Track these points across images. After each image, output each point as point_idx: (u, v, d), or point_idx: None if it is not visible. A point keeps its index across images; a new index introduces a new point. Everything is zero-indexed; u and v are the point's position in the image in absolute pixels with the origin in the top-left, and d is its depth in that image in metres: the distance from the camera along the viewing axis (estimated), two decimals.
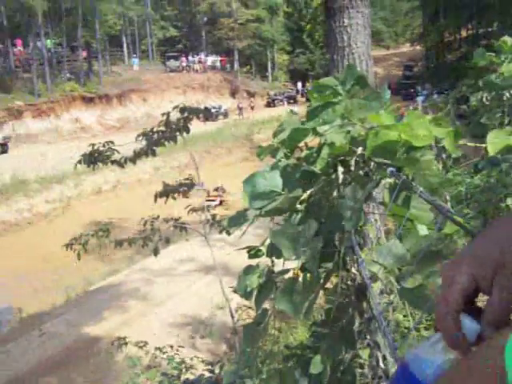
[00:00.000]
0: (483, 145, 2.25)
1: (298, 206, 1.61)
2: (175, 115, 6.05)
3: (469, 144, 2.51)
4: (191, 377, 4.31)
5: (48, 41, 43.78)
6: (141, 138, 5.92)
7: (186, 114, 5.97)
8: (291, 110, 1.89)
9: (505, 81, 3.52)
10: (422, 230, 1.44)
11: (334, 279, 1.61)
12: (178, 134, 5.90)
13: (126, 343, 7.21)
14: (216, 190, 23.43)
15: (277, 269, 1.66)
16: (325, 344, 1.50)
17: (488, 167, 3.40)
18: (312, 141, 1.68)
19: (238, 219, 1.66)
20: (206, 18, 60.92)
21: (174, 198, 6.37)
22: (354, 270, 1.58)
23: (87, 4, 44.45)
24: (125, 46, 54.52)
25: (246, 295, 1.65)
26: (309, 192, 1.58)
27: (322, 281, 1.52)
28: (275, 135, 1.75)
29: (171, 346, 7.08)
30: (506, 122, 3.45)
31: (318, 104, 1.63)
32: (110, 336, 9.76)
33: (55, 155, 30.00)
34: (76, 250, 6.43)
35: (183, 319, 11.54)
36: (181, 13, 62.78)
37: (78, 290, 14.38)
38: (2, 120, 34.85)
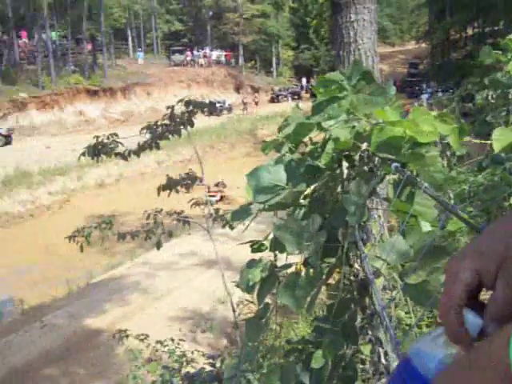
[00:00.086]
0: (488, 142, 2.25)
1: (302, 201, 1.61)
2: (179, 109, 6.04)
3: (474, 141, 2.50)
4: (192, 370, 4.32)
5: (53, 33, 43.82)
6: (145, 131, 5.92)
7: (190, 108, 5.97)
8: (297, 105, 1.88)
9: (510, 79, 3.51)
10: (426, 226, 1.44)
11: (335, 275, 1.62)
12: (182, 127, 5.90)
13: (126, 336, 7.23)
14: (216, 185, 23.05)
15: (279, 264, 1.66)
16: (327, 339, 1.50)
17: (492, 165, 3.39)
18: (316, 136, 1.68)
19: (242, 213, 1.66)
20: (211, 13, 60.86)
21: (178, 192, 6.37)
22: (356, 266, 1.58)
23: None
24: (130, 39, 54.52)
25: (249, 289, 1.65)
26: (313, 187, 1.58)
27: (324, 276, 1.52)
28: (280, 130, 1.75)
29: (172, 340, 7.09)
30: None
31: (324, 99, 1.63)
32: (111, 329, 9.78)
33: (59, 147, 30.05)
34: (79, 242, 6.44)
35: (184, 313, 11.56)
36: (186, 7, 62.77)
37: (79, 282, 14.40)
38: (6, 112, 34.92)
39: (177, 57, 53.68)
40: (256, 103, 48.49)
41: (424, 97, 31.70)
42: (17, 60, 40.15)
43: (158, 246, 6.29)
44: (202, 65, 54.32)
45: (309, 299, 1.48)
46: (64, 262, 16.28)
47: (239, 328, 6.15)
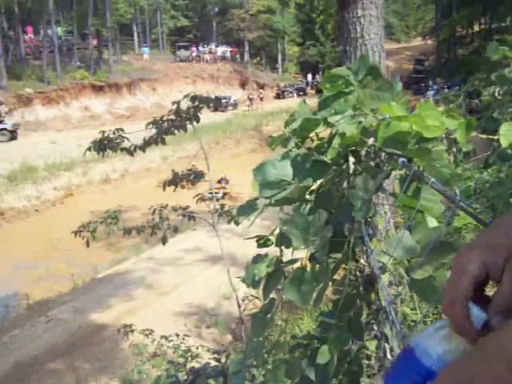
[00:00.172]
0: (495, 137, 2.24)
1: (308, 196, 1.61)
2: (185, 104, 6.04)
3: (481, 136, 2.50)
4: (197, 365, 4.33)
5: (59, 28, 43.91)
6: (151, 126, 5.93)
7: (196, 103, 5.97)
8: (304, 101, 1.88)
9: None
10: (432, 222, 1.44)
11: (340, 271, 1.61)
12: (188, 122, 5.90)
13: (131, 331, 7.25)
14: (219, 182, 22.72)
15: (285, 259, 1.66)
16: (332, 334, 1.50)
17: (498, 162, 3.37)
18: (323, 131, 1.68)
19: (248, 208, 1.66)
20: (216, 8, 60.90)
21: (183, 187, 6.38)
22: (362, 261, 1.58)
23: None
24: (135, 34, 54.53)
25: (254, 284, 1.65)
26: (319, 182, 1.58)
27: (330, 271, 1.52)
28: (286, 125, 1.75)
29: (177, 335, 7.11)
30: None
31: (330, 94, 1.62)
32: (115, 324, 9.81)
33: (64, 143, 30.11)
34: (85, 237, 6.45)
35: (189, 308, 11.59)
36: (192, 2, 62.74)
37: (84, 277, 14.45)
38: (11, 107, 34.98)
39: (182, 52, 53.70)
40: (261, 99, 48.42)
41: (429, 93, 31.62)
42: (22, 55, 40.26)
43: (164, 241, 6.30)
44: (207, 61, 54.33)
45: (315, 294, 1.48)
46: (69, 257, 16.34)
47: (244, 323, 6.17)
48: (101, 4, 46.34)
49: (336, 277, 1.63)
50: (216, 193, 20.49)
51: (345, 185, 1.59)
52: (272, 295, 1.67)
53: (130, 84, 45.05)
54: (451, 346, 0.62)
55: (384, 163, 1.51)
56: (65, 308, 12.02)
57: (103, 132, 6.00)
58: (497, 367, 0.50)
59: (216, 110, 39.63)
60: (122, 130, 6.07)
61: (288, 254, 1.62)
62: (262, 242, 1.72)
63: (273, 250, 1.68)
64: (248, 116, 42.14)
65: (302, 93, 52.54)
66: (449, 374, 0.56)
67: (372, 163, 1.53)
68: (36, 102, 37.36)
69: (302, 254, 1.53)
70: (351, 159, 1.55)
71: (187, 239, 15.63)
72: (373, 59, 4.01)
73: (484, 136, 2.49)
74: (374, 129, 1.50)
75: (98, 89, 42.24)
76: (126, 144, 6.04)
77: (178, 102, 5.98)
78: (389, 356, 1.59)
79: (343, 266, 1.55)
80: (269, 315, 1.67)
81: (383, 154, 1.50)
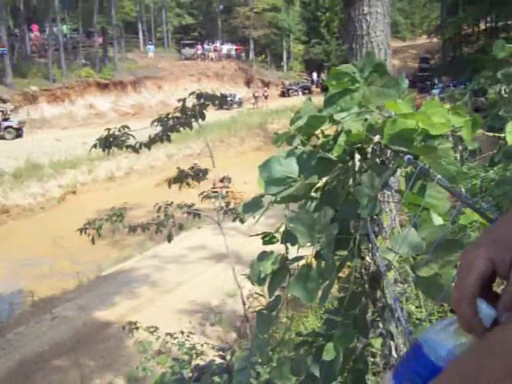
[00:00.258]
0: (502, 134, 2.23)
1: (313, 193, 1.61)
2: (191, 102, 6.05)
3: (487, 133, 2.49)
4: (202, 363, 4.34)
5: (64, 26, 43.97)
6: (156, 123, 5.93)
7: (202, 101, 5.97)
8: (309, 98, 1.88)
9: None
10: (437, 220, 1.43)
11: (345, 269, 1.61)
12: (193, 120, 5.91)
13: (136, 328, 7.27)
14: (221, 180, 22.28)
15: (290, 257, 1.66)
16: (338, 331, 1.50)
17: (504, 160, 3.36)
18: (328, 129, 1.67)
19: (253, 205, 1.66)
20: (221, 6, 60.84)
21: (189, 184, 6.39)
22: (368, 259, 1.58)
23: None
24: (140, 32, 54.54)
25: (260, 281, 1.65)
26: (325, 179, 1.58)
27: (336, 268, 1.52)
28: (292, 122, 1.75)
29: (182, 332, 7.12)
30: None
31: (336, 91, 1.62)
32: (120, 321, 9.83)
33: (69, 141, 30.16)
34: (90, 235, 6.47)
35: (193, 306, 11.60)
36: (197, 0, 62.65)
37: (89, 275, 14.47)
38: (17, 105, 35.07)
39: (187, 50, 53.72)
40: (265, 97, 48.35)
41: (435, 91, 31.55)
42: (28, 53, 40.33)
43: (169, 238, 6.32)
44: (212, 59, 54.31)
45: (321, 292, 1.48)
46: (74, 254, 16.37)
47: (249, 321, 6.18)
48: (106, 2, 46.36)
49: (341, 274, 1.63)
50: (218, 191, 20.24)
51: (350, 182, 1.59)
52: (277, 293, 1.67)
53: (135, 82, 45.08)
54: (459, 343, 0.62)
55: (390, 160, 1.51)
56: (69, 305, 12.04)
57: (109, 129, 6.01)
58: (505, 360, 0.50)
59: (221, 107, 39.61)
60: (127, 127, 6.08)
61: (293, 252, 1.63)
62: (268, 239, 1.72)
63: (278, 248, 1.68)
64: (253, 114, 42.10)
65: (307, 91, 52.46)
66: (455, 368, 0.56)
67: (378, 160, 1.53)
68: (41, 100, 37.43)
69: (308, 251, 1.53)
70: (357, 156, 1.55)
71: (192, 237, 15.64)
72: (379, 57, 4.00)
73: (490, 134, 2.48)
74: (380, 126, 1.50)
75: (103, 87, 42.27)
76: (131, 141, 6.06)
77: (184, 100, 5.99)
78: (394, 354, 1.59)
79: (348, 263, 1.55)
80: (274, 312, 1.67)
81: (389, 152, 1.50)
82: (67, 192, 24.78)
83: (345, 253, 1.50)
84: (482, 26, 55.75)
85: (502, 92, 3.52)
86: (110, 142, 5.86)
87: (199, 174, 6.46)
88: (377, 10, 4.10)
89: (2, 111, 32.17)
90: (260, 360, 2.29)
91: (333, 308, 1.68)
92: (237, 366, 1.93)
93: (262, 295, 7.44)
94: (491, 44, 3.93)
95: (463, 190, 1.23)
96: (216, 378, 3.36)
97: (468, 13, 49.47)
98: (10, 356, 9.76)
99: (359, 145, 1.54)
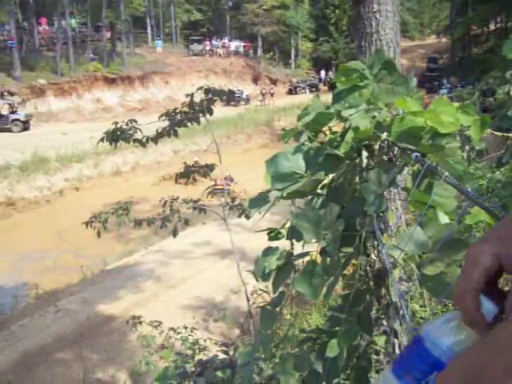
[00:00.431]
0: (510, 134, 2.23)
1: (320, 190, 1.61)
2: (198, 97, 6.05)
3: (495, 133, 2.48)
4: (205, 358, 4.35)
5: (73, 20, 44.06)
6: (163, 117, 5.93)
7: (209, 96, 5.97)
8: (317, 95, 1.88)
9: None
10: (444, 218, 1.43)
11: (349, 267, 1.61)
12: (201, 115, 5.90)
13: (140, 322, 7.29)
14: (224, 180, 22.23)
15: (295, 253, 1.66)
16: (342, 328, 1.50)
17: (511, 161, 3.35)
18: (336, 125, 1.67)
19: (260, 201, 1.66)
20: (230, 3, 60.80)
21: (195, 180, 6.39)
22: (373, 256, 1.57)
23: None
24: (149, 28, 54.56)
25: (264, 277, 1.65)
26: (331, 176, 1.58)
27: (341, 265, 1.52)
28: (300, 118, 1.75)
29: (185, 327, 7.13)
30: None
31: (344, 87, 1.62)
32: (124, 315, 9.86)
33: (76, 134, 30.21)
34: (96, 228, 6.49)
35: (197, 302, 11.62)
36: None
37: (94, 269, 14.51)
38: (24, 98, 35.16)
39: (195, 46, 53.72)
40: (271, 94, 48.26)
41: (442, 92, 31.43)
42: (36, 47, 40.43)
43: (175, 233, 6.32)
44: (220, 55, 54.31)
45: (326, 288, 1.48)
46: (78, 248, 16.42)
47: (253, 317, 6.18)
48: None
49: (345, 272, 1.63)
50: (221, 189, 20.19)
51: (357, 179, 1.59)
52: (281, 289, 1.67)
53: (143, 77, 45.11)
54: (461, 338, 0.62)
55: (397, 158, 1.50)
56: (73, 299, 12.08)
57: (116, 123, 6.01)
58: (509, 355, 0.50)
59: (228, 104, 39.57)
60: (135, 121, 6.08)
61: (299, 248, 1.62)
62: (273, 235, 1.72)
63: (284, 244, 1.68)
64: (260, 111, 42.08)
65: (314, 89, 52.39)
66: (459, 363, 0.56)
67: (385, 158, 1.53)
68: (49, 94, 37.52)
69: (313, 247, 1.53)
70: (364, 153, 1.55)
71: (197, 233, 15.67)
72: (387, 54, 3.99)
73: (499, 134, 2.47)
74: (388, 123, 1.49)
75: (110, 81, 42.33)
76: (138, 135, 6.05)
77: (192, 95, 5.99)
78: (398, 351, 1.59)
79: (353, 260, 1.55)
80: (278, 308, 1.67)
81: (396, 149, 1.49)
82: (76, 186, 24.85)
83: (350, 250, 1.50)
84: (492, 27, 55.48)
85: (511, 93, 3.51)
86: (117, 136, 5.86)
87: (206, 169, 6.45)
88: (386, 8, 4.09)
89: (9, 104, 32.27)
90: (263, 356, 2.30)
91: (337, 305, 1.68)
92: (240, 362, 1.93)
93: (266, 292, 7.45)
94: (501, 45, 3.91)
95: (470, 189, 1.23)
96: (219, 373, 3.36)
97: (477, 13, 49.21)
98: (14, 348, 9.80)
99: (367, 142, 1.54)
